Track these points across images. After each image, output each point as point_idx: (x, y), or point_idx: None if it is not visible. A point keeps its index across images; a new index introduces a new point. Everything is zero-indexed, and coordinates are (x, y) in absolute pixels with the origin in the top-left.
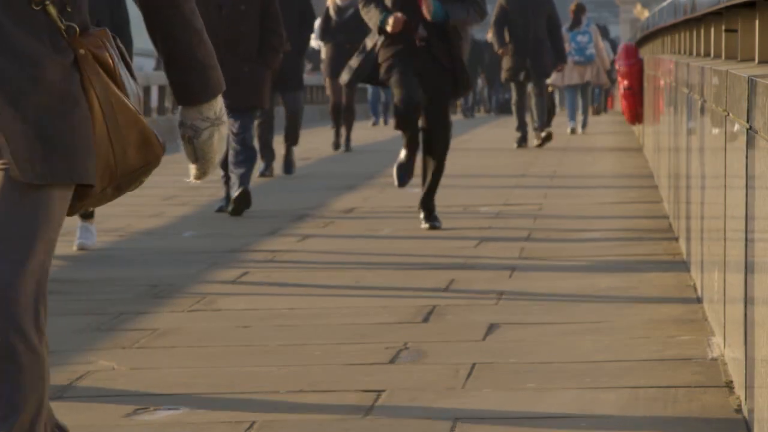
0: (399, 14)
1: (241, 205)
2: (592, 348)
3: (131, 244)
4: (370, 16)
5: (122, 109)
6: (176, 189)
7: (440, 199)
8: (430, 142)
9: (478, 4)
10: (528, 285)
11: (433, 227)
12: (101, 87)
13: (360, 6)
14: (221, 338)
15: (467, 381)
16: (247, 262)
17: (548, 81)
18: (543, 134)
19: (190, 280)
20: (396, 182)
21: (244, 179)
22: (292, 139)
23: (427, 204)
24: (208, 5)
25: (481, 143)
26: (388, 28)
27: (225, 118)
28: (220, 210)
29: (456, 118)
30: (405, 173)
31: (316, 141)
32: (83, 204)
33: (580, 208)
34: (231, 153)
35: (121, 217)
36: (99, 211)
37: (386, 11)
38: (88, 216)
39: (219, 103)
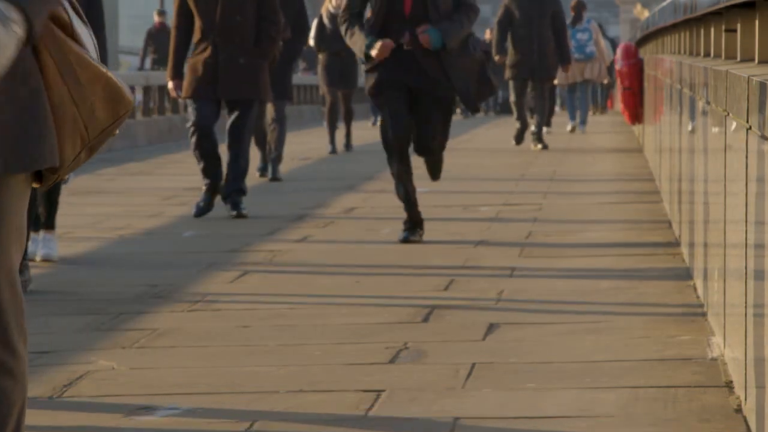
0: (388, 40)
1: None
2: (592, 348)
3: (131, 244)
4: (354, 41)
5: (83, 65)
6: (176, 189)
7: (440, 199)
8: (425, 159)
9: (469, 8)
10: (528, 285)
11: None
12: (57, 47)
13: (341, 29)
14: (221, 338)
15: (467, 381)
16: (247, 262)
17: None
18: (539, 146)
19: (190, 280)
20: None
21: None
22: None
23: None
24: None
25: (480, 143)
26: (374, 53)
27: (17, 27)
28: (199, 215)
29: (455, 118)
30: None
31: (315, 141)
32: (60, 173)
33: (580, 209)
34: (227, 155)
35: (121, 217)
36: (99, 210)
37: (371, 35)
38: (49, 227)
39: (17, 13)
